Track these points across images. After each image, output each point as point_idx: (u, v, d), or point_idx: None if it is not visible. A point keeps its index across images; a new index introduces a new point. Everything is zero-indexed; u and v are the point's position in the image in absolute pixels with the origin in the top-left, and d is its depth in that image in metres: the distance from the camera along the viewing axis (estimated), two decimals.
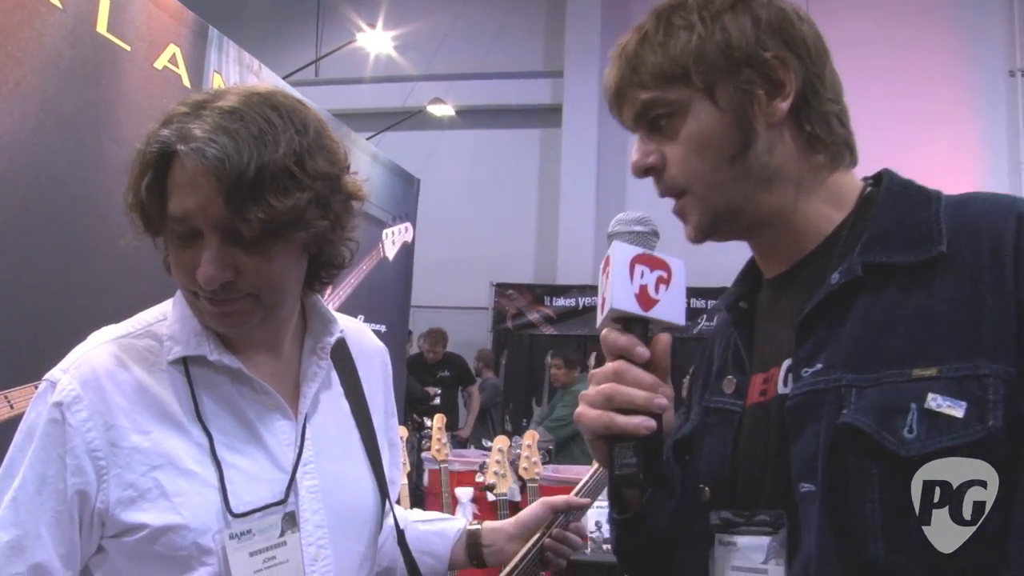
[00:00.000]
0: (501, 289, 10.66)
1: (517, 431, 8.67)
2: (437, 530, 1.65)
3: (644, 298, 1.06)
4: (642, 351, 1.06)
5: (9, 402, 2.49)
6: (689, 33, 1.06)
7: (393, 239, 5.82)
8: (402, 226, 5.97)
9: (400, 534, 1.50)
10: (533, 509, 1.69)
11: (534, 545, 1.65)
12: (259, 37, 9.56)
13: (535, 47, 11.55)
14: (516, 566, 1.64)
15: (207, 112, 1.15)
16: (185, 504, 1.19)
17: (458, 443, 7.95)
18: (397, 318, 5.99)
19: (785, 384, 1.04)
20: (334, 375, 1.40)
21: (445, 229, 9.97)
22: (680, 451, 1.17)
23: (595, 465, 1.92)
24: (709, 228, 1.09)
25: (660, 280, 1.07)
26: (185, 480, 1.20)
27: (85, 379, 1.19)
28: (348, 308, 5.15)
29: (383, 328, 5.64)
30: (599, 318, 1.09)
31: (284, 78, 4.61)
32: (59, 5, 2.63)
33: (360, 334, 1.52)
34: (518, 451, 4.43)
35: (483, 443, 4.34)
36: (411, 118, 10.43)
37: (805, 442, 0.98)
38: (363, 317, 5.35)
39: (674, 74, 1.05)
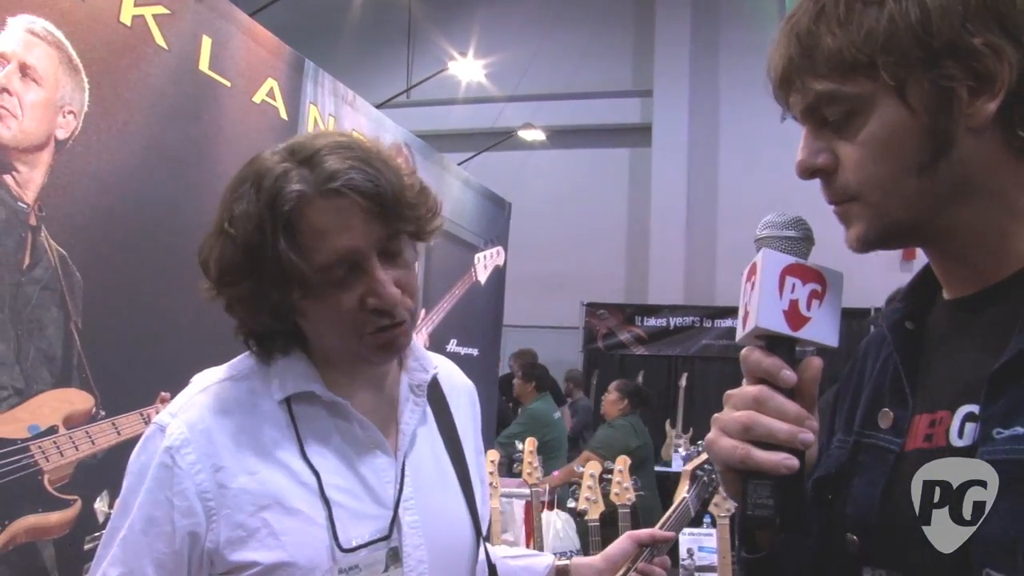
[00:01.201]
0: (592, 309, 10.62)
1: None
2: (526, 565, 1.66)
3: (794, 315, 0.92)
4: (788, 375, 0.91)
5: (116, 429, 2.58)
6: (878, 9, 0.85)
7: (485, 263, 5.87)
8: (493, 250, 6.01)
9: (492, 569, 1.51)
10: (619, 544, 1.70)
11: None
12: (351, 67, 9.77)
13: (624, 66, 11.53)
14: None
15: (321, 157, 1.19)
16: (293, 542, 1.21)
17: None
18: (489, 341, 6.02)
19: (960, 435, 0.86)
20: (429, 412, 1.43)
21: (536, 249, 10.00)
22: (822, 490, 1.02)
23: (679, 498, 1.91)
24: (876, 241, 0.92)
25: (813, 294, 0.93)
26: (292, 519, 1.22)
27: (192, 423, 1.22)
28: (441, 332, 5.20)
29: (475, 352, 5.67)
30: (739, 332, 0.96)
31: (378, 106, 4.69)
32: (164, 46, 2.73)
33: (450, 373, 1.55)
34: (610, 476, 4.40)
35: (576, 468, 4.31)
36: (491, 137, 10.51)
37: (999, 522, 0.79)
38: (455, 341, 5.40)
39: (856, 63, 0.86)
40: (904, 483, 0.89)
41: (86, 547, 2.43)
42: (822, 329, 0.93)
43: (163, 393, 2.71)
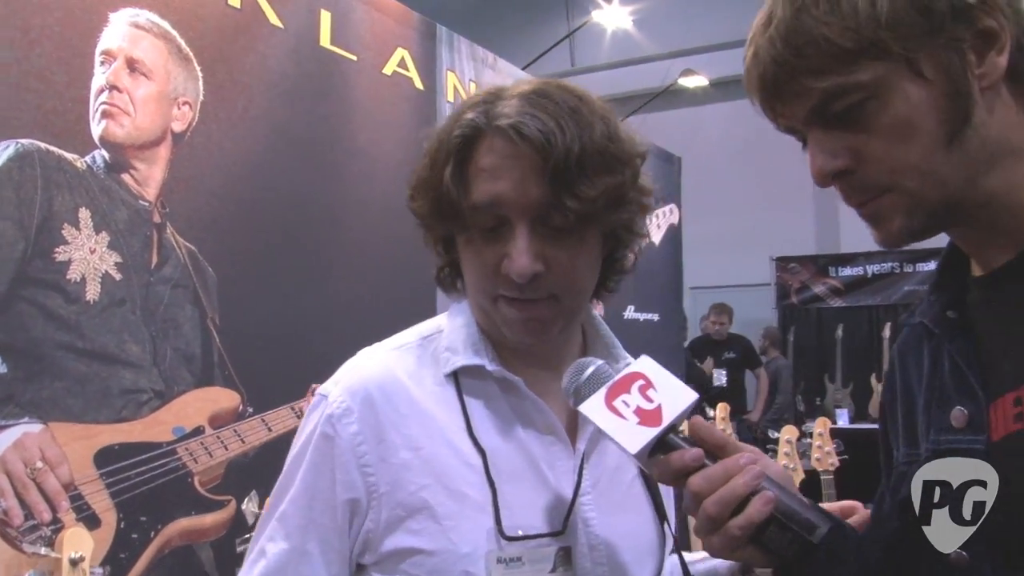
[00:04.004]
0: (782, 263, 10.10)
1: (810, 413, 8.18)
2: (709, 568, 1.43)
3: (648, 417, 0.97)
4: (692, 455, 0.94)
5: (267, 425, 2.51)
6: None
7: (658, 223, 5.57)
8: (666, 208, 5.69)
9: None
10: None
11: None
12: (499, 28, 9.55)
13: None
14: None
15: (508, 98, 1.08)
16: (455, 528, 1.10)
17: (747, 428, 7.62)
18: (669, 305, 5.71)
19: None
20: None
21: (717, 206, 9.60)
22: (905, 512, 0.93)
23: None
24: (920, 229, 0.89)
25: (643, 388, 0.99)
26: (455, 502, 1.11)
27: (355, 391, 1.14)
28: (616, 299, 4.93)
29: (655, 317, 5.39)
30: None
31: (525, 67, 4.49)
32: (280, 25, 2.61)
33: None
34: (809, 440, 4.07)
35: (769, 434, 4.00)
36: (667, 97, 10.06)
37: None
38: (633, 307, 5.15)
39: (860, 48, 0.83)
40: (1016, 480, 0.83)
41: (238, 549, 2.37)
42: (675, 399, 0.98)
43: (314, 386, 2.62)
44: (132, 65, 2.19)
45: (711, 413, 4.87)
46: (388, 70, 3.10)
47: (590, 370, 1.03)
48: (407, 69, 3.19)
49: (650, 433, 0.95)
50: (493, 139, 1.07)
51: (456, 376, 1.17)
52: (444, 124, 1.13)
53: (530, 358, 1.19)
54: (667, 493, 1.32)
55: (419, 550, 1.09)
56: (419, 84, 3.25)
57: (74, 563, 1.80)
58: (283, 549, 1.13)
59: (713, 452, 0.95)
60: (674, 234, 5.82)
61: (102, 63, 2.13)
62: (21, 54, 1.97)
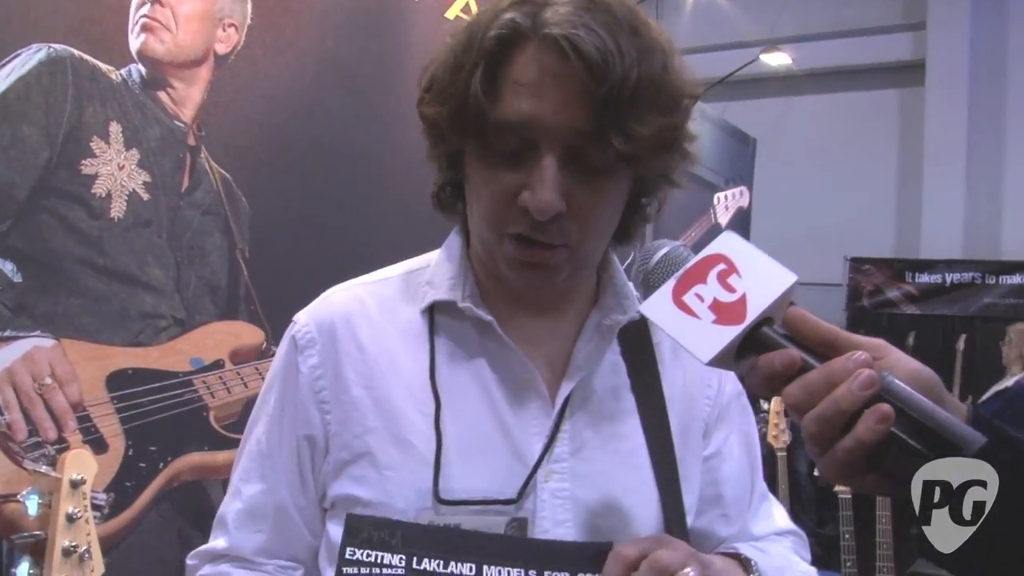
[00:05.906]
0: (856, 264, 9.75)
1: None
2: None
3: (727, 313, 0.77)
4: (783, 359, 0.75)
5: None
6: None
7: (726, 204, 5.39)
8: (736, 190, 5.51)
9: None
10: None
11: None
12: None
13: None
14: None
15: (560, 3, 0.91)
16: (393, 480, 1.00)
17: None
18: None
19: None
20: (621, 364, 1.09)
21: (793, 199, 9.34)
22: None
23: None
24: None
25: (723, 275, 0.80)
26: (398, 451, 1.01)
27: (321, 321, 1.07)
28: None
29: None
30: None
31: None
32: None
33: None
34: None
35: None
36: (752, 84, 9.76)
37: None
38: None
39: None
40: None
41: None
42: (766, 285, 0.79)
43: None
44: None
45: (765, 405, 4.69)
46: (451, 14, 2.98)
47: (661, 252, 0.87)
48: (470, 14, 3.06)
49: (728, 334, 0.77)
50: (538, 48, 0.90)
51: (432, 313, 1.06)
52: (476, 18, 0.96)
53: (527, 302, 1.06)
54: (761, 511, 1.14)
55: (358, 499, 1.00)
56: None
57: (75, 485, 1.73)
58: (258, 491, 1.07)
59: (819, 352, 0.76)
60: (743, 217, 5.64)
61: None
62: None
